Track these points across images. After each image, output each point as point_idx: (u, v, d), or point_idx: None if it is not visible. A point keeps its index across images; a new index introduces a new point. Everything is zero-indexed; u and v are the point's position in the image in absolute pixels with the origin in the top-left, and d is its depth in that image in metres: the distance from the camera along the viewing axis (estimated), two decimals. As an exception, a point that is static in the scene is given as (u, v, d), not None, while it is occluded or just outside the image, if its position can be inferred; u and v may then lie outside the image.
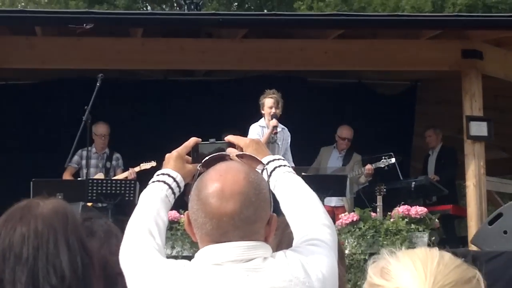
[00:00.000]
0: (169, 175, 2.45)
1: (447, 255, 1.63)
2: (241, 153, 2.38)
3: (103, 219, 2.80)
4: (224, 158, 2.30)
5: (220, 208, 2.12)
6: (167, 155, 2.49)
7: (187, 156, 2.48)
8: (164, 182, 2.44)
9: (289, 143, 9.47)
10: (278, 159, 2.47)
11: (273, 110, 9.20)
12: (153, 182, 2.46)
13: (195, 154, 2.45)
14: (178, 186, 2.46)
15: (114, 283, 2.67)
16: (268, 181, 2.35)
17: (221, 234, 2.13)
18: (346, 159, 10.80)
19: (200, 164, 2.28)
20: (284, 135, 9.40)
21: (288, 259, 2.15)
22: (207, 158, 2.27)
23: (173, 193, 2.45)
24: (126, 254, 2.25)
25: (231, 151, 2.40)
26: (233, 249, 2.12)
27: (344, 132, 10.80)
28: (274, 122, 9.12)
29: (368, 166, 10.31)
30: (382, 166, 10.17)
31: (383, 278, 1.61)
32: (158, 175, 2.48)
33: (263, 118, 9.42)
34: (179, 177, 2.46)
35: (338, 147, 10.84)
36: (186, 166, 2.47)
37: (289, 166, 2.47)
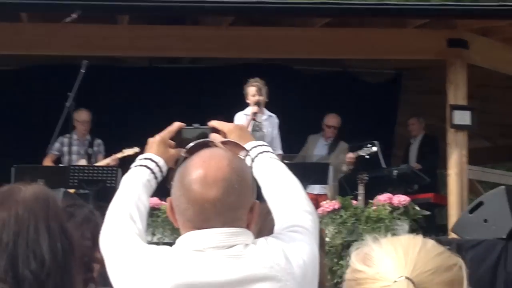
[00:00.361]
0: (151, 160, 2.44)
1: (430, 243, 1.64)
2: (224, 139, 2.38)
3: (87, 207, 2.81)
4: (208, 144, 2.30)
5: (202, 194, 2.12)
6: (150, 139, 2.49)
7: (170, 141, 2.47)
8: (146, 167, 2.43)
9: (276, 131, 9.45)
10: (262, 145, 2.47)
11: (256, 97, 9.17)
12: (135, 166, 2.45)
13: (178, 139, 2.45)
14: (161, 170, 2.45)
15: (88, 269, 2.68)
16: (251, 167, 2.36)
17: (203, 220, 2.13)
18: (332, 147, 10.82)
19: (184, 150, 2.28)
20: (272, 122, 9.39)
21: (269, 246, 2.15)
22: (191, 144, 2.27)
23: (155, 177, 2.44)
24: (106, 238, 2.25)
25: (214, 137, 2.40)
26: (215, 235, 2.12)
27: (331, 120, 10.81)
28: (254, 108, 9.10)
29: (349, 155, 10.34)
30: (363, 154, 10.19)
31: (364, 264, 1.62)
32: (140, 159, 2.47)
33: (249, 107, 9.41)
34: (161, 162, 2.45)
35: (324, 135, 10.87)
36: (169, 151, 2.46)
37: (272, 152, 2.47)
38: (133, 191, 2.38)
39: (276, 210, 2.34)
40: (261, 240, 2.18)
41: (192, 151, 2.25)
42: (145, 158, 2.46)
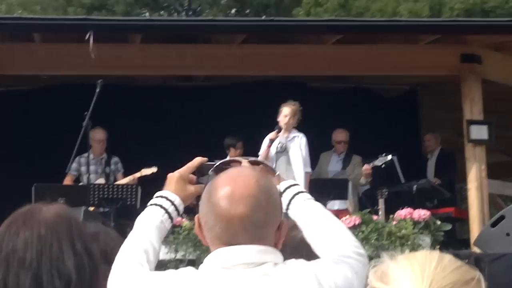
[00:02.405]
0: (167, 199, 2.41)
1: (447, 257, 1.63)
2: (253, 159, 2.37)
3: (99, 225, 2.80)
4: (235, 163, 2.29)
5: (230, 210, 2.10)
6: (169, 175, 2.46)
7: (191, 175, 2.45)
8: (161, 206, 2.39)
9: (304, 149, 9.56)
10: (295, 185, 2.45)
11: (287, 119, 9.28)
12: (151, 205, 2.41)
13: (199, 174, 2.42)
14: (176, 209, 2.42)
15: None
16: (287, 208, 2.34)
17: (231, 237, 2.10)
18: (346, 162, 10.82)
19: (212, 169, 2.27)
20: (298, 142, 9.48)
21: (300, 268, 2.13)
22: (218, 163, 2.27)
23: (170, 217, 2.40)
24: (114, 281, 2.18)
25: (243, 160, 2.40)
26: (243, 252, 2.10)
27: (339, 135, 10.83)
28: (271, 134, 9.24)
29: (365, 167, 10.35)
30: (379, 164, 10.19)
31: (382, 282, 1.61)
32: (156, 197, 2.43)
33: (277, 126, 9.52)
34: (177, 200, 2.42)
35: (336, 151, 10.88)
36: (188, 188, 2.45)
37: (305, 192, 2.45)
38: (144, 235, 2.32)
39: (323, 253, 2.30)
40: (292, 261, 2.15)
41: (218, 170, 2.24)
42: (161, 196, 2.42)
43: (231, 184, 2.15)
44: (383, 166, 10.20)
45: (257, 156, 9.25)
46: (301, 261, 2.15)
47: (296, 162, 9.31)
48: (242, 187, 2.14)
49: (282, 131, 9.38)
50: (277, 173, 2.40)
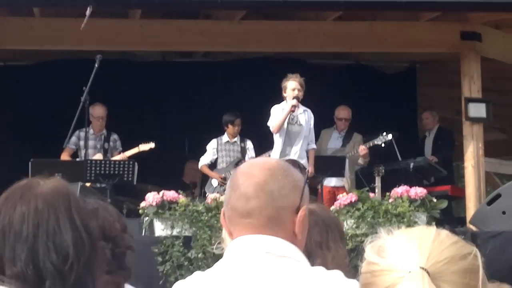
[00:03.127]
0: None
1: (444, 233, 1.63)
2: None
3: (98, 202, 2.81)
4: None
5: (247, 179, 2.15)
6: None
7: None
8: None
9: (312, 125, 9.59)
10: None
11: (296, 92, 9.26)
12: None
13: None
14: None
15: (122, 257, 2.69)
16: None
17: (245, 203, 2.12)
18: (346, 139, 10.84)
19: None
20: (307, 117, 9.48)
21: (329, 273, 2.13)
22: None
23: None
24: None
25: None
26: (265, 242, 2.11)
27: (341, 112, 10.84)
28: (293, 101, 9.20)
29: (361, 148, 10.37)
30: (379, 143, 10.21)
31: (379, 256, 1.62)
32: None
33: (284, 101, 9.46)
34: None
35: (337, 128, 10.89)
36: None
37: None
38: None
39: None
40: (320, 268, 2.15)
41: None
42: None
43: (251, 163, 2.25)
44: (383, 145, 10.22)
45: (265, 123, 9.32)
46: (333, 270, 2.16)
47: (304, 136, 9.39)
48: (261, 163, 2.22)
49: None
50: (306, 170, 2.43)
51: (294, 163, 2.41)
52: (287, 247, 2.13)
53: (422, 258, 1.57)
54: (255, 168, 2.18)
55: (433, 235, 1.62)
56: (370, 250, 1.64)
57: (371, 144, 10.34)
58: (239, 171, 2.20)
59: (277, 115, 9.31)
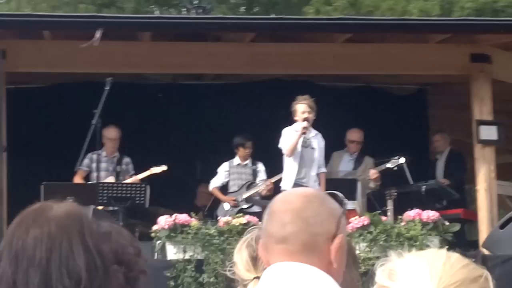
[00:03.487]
0: None
1: (454, 256, 1.63)
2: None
3: (110, 225, 2.80)
4: None
5: (284, 204, 2.17)
6: None
7: None
8: None
9: (322, 148, 9.56)
10: None
11: (306, 114, 9.24)
12: None
13: None
14: None
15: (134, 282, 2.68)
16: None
17: (280, 229, 2.12)
18: (357, 162, 10.83)
19: None
20: (318, 140, 9.45)
21: None
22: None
23: None
24: None
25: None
26: (297, 270, 2.10)
27: (353, 135, 10.84)
28: (303, 123, 9.17)
29: (372, 172, 10.36)
30: (391, 166, 10.20)
31: (390, 279, 1.61)
32: None
33: (296, 123, 9.45)
34: None
35: (349, 151, 10.88)
36: None
37: None
38: None
39: None
40: None
41: None
42: None
43: (289, 191, 2.31)
44: (395, 168, 10.21)
45: (276, 145, 9.28)
46: None
47: (316, 160, 9.35)
48: (299, 191, 2.27)
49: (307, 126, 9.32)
50: (344, 202, 2.43)
51: (332, 195, 2.41)
52: (320, 275, 2.11)
53: (433, 282, 1.57)
54: (292, 195, 2.20)
55: (444, 258, 1.62)
56: (381, 274, 1.64)
57: (383, 168, 10.33)
58: (276, 199, 2.21)
59: (289, 138, 9.28)
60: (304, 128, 9.18)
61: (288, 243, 2.12)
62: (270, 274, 2.12)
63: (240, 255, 3.46)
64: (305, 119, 9.20)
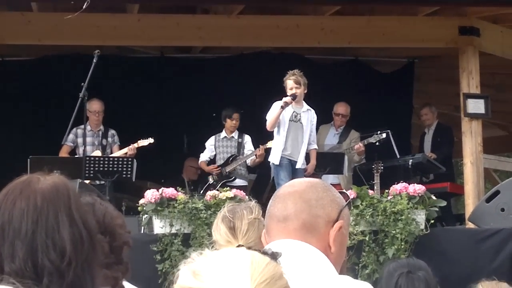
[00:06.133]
0: None
1: (256, 254, 1.62)
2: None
3: (93, 197, 2.81)
4: None
5: (288, 188, 2.23)
6: None
7: None
8: None
9: (314, 125, 9.50)
10: None
11: (294, 90, 9.16)
12: None
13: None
14: None
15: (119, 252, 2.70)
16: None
17: (282, 209, 2.17)
18: (342, 136, 10.83)
19: None
20: (310, 116, 9.40)
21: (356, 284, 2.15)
22: None
23: None
24: None
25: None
26: (293, 247, 2.12)
27: (339, 108, 10.83)
28: (287, 98, 9.09)
29: (357, 146, 10.38)
30: (374, 141, 10.22)
31: (196, 280, 1.57)
32: None
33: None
34: None
35: (334, 124, 10.88)
36: None
37: None
38: None
39: None
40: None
41: None
42: None
43: (295, 179, 2.35)
44: (377, 144, 10.23)
45: (264, 118, 9.23)
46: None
47: (306, 134, 9.28)
48: (304, 179, 2.34)
49: (296, 101, 9.22)
50: (350, 198, 2.42)
51: (342, 193, 2.41)
52: (316, 253, 2.14)
53: (245, 281, 1.55)
54: (297, 181, 2.27)
55: (249, 256, 1.60)
56: (184, 274, 1.59)
57: (365, 143, 10.36)
58: (283, 186, 2.28)
59: (273, 111, 9.22)
60: (285, 102, 9.08)
61: (288, 222, 2.16)
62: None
63: (218, 231, 3.50)
64: (293, 94, 9.12)
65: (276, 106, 9.19)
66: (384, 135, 10.14)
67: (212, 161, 10.55)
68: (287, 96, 9.15)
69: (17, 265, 1.90)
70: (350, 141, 10.70)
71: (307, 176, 9.00)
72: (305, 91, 9.26)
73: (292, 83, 9.17)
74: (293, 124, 9.25)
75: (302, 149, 9.21)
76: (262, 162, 9.96)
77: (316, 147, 9.53)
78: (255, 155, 10.06)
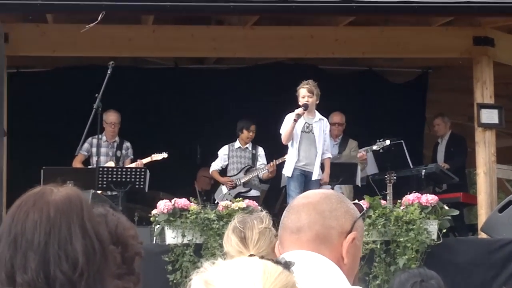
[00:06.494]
0: None
1: (269, 263, 1.61)
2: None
3: (106, 208, 2.82)
4: None
5: (302, 199, 2.24)
6: None
7: None
8: None
9: (327, 134, 9.53)
10: None
11: (306, 99, 9.18)
12: None
13: None
14: None
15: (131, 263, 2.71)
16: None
17: (296, 221, 2.17)
18: (341, 146, 10.80)
19: None
20: (322, 126, 9.41)
21: None
22: None
23: None
24: None
25: None
26: (306, 258, 2.12)
27: (335, 117, 10.78)
28: (299, 110, 9.12)
29: (360, 154, 10.38)
30: (377, 148, 10.21)
31: None
32: None
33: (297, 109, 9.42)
34: None
35: (332, 134, 10.79)
36: None
37: None
38: None
39: None
40: None
41: None
42: None
43: (309, 191, 2.38)
44: (381, 151, 10.21)
45: (278, 132, 9.24)
46: None
47: (319, 145, 9.29)
48: (318, 190, 2.42)
49: (307, 111, 9.24)
50: (364, 210, 2.44)
51: (356, 204, 2.41)
52: (329, 265, 2.13)
53: None
54: (312, 192, 2.28)
55: (262, 266, 1.60)
56: (196, 284, 1.59)
57: (369, 150, 10.36)
58: (298, 197, 2.29)
59: (286, 123, 9.24)
60: (297, 114, 9.11)
61: (301, 233, 2.16)
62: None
63: (229, 242, 3.49)
64: (304, 104, 9.15)
65: (289, 119, 9.20)
66: (387, 142, 10.14)
67: (223, 170, 10.55)
68: (299, 106, 9.17)
69: (29, 276, 1.92)
70: (350, 150, 10.70)
71: (323, 185, 9.02)
72: (317, 102, 9.27)
73: (305, 91, 9.20)
74: (305, 135, 9.27)
75: (317, 160, 9.22)
76: (279, 172, 9.96)
77: (330, 156, 9.54)
78: (267, 170, 10.13)
